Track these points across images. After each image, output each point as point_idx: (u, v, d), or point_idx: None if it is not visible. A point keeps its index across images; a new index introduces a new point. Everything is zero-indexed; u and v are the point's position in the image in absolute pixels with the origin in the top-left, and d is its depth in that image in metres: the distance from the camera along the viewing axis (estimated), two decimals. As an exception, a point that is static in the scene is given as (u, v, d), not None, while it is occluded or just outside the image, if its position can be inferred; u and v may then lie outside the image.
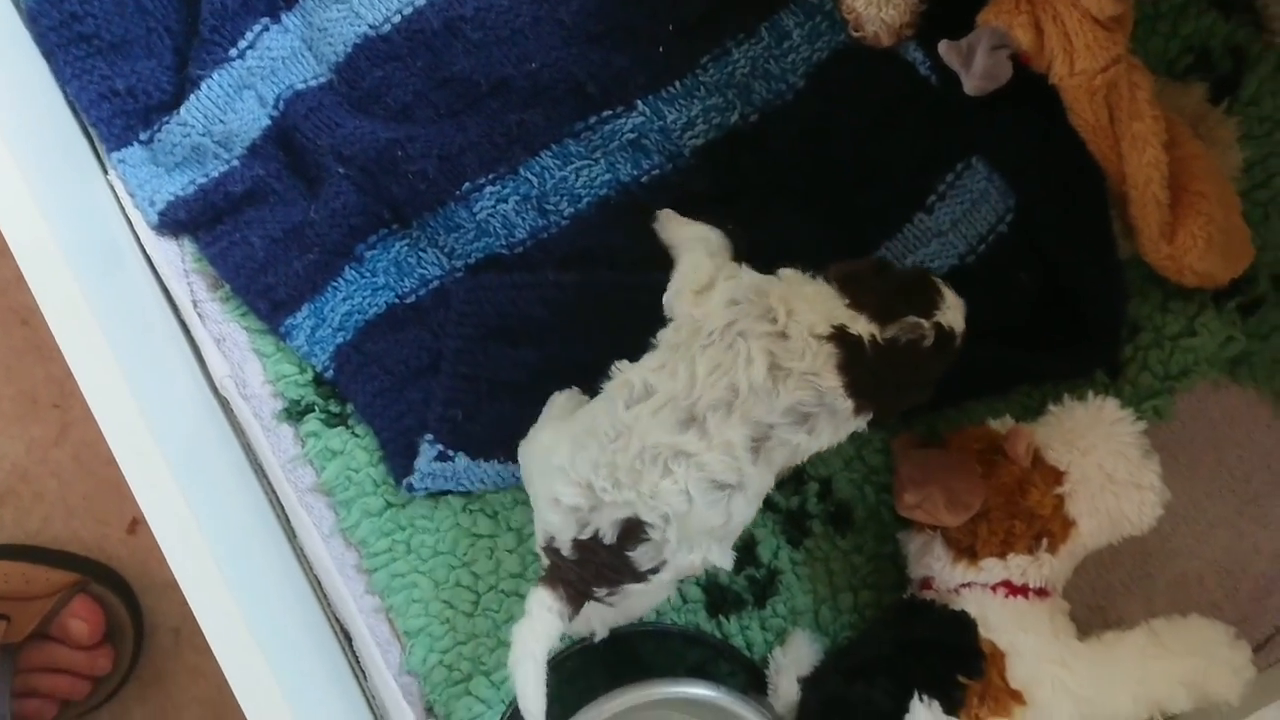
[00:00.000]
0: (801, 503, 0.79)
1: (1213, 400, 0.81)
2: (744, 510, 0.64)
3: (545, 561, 0.65)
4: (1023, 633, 0.68)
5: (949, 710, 0.66)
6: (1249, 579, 0.82)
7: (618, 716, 0.73)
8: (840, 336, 0.62)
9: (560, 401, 0.71)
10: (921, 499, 0.68)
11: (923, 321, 0.64)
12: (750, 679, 0.76)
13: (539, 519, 0.65)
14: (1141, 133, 0.72)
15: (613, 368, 0.65)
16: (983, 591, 0.69)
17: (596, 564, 0.63)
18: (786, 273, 0.65)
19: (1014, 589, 0.69)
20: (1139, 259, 0.78)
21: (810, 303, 0.63)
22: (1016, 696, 0.67)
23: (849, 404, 0.62)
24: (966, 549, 0.70)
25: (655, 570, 0.63)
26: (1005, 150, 0.77)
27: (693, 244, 0.69)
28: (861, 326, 0.62)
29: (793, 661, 0.73)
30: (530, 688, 0.62)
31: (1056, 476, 0.69)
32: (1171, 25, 0.79)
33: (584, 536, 0.63)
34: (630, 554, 0.62)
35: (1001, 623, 0.68)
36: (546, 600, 0.64)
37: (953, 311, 0.65)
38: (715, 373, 0.62)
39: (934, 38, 0.74)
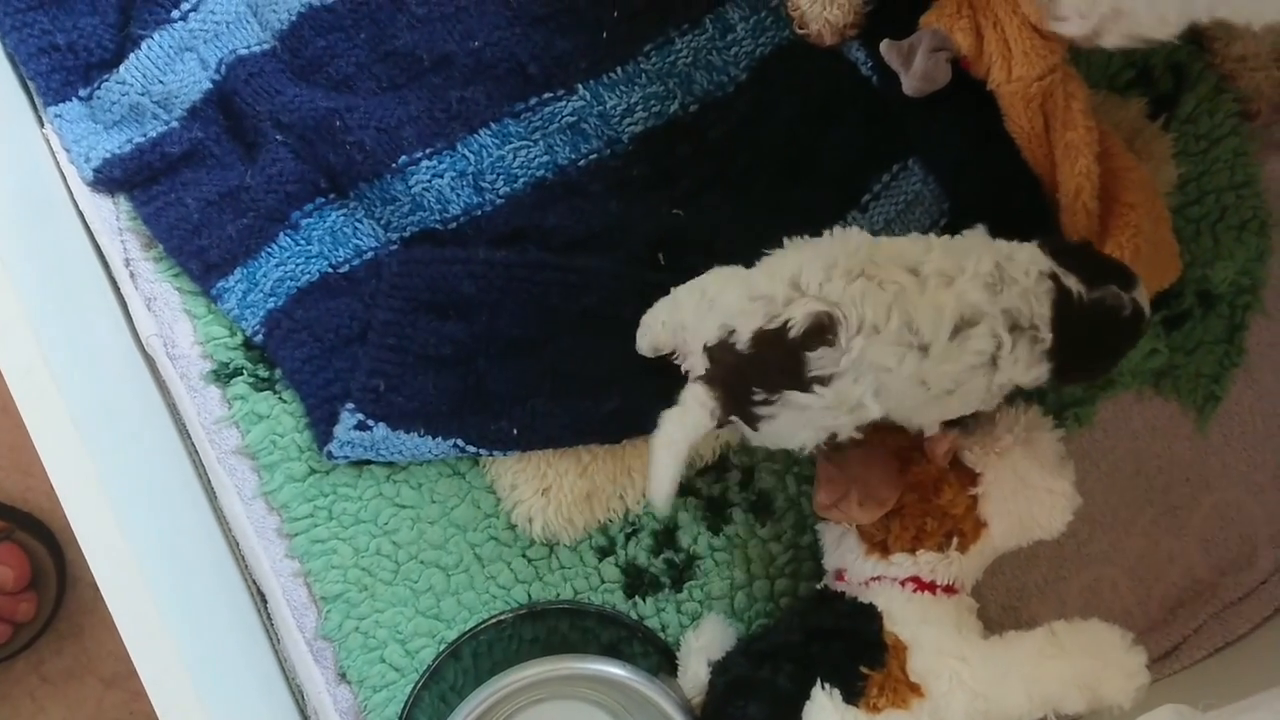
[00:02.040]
0: (723, 490, 0.80)
1: (1135, 411, 0.82)
2: (911, 371, 0.63)
3: (705, 362, 0.65)
4: (925, 625, 0.69)
5: (849, 698, 0.67)
6: (1161, 587, 0.83)
7: (527, 689, 0.74)
8: (1057, 279, 0.64)
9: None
10: (836, 498, 0.70)
11: (1123, 294, 0.66)
12: (663, 661, 0.78)
13: (713, 315, 0.65)
14: (1074, 142, 0.73)
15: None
16: (891, 585, 0.71)
17: (768, 361, 0.63)
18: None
19: (922, 584, 0.71)
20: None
21: (1030, 252, 0.66)
22: (915, 689, 0.68)
23: (1049, 338, 0.64)
24: (879, 543, 0.71)
25: (822, 381, 0.62)
26: (941, 153, 0.78)
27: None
28: (1073, 283, 0.65)
29: (704, 645, 0.75)
30: (663, 472, 0.65)
31: (971, 478, 0.70)
32: (1115, 40, 0.80)
33: (769, 327, 0.63)
34: (809, 353, 0.62)
35: (906, 616, 0.69)
36: (702, 396, 0.64)
37: (1145, 299, 0.67)
38: (947, 251, 0.64)
39: (877, 38, 0.75)
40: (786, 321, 0.62)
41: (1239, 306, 0.82)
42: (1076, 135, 0.73)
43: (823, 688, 0.67)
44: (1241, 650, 0.82)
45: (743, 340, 0.63)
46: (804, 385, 0.62)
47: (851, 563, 0.72)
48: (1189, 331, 0.82)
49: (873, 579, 0.71)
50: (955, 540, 0.70)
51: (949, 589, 0.71)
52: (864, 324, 0.62)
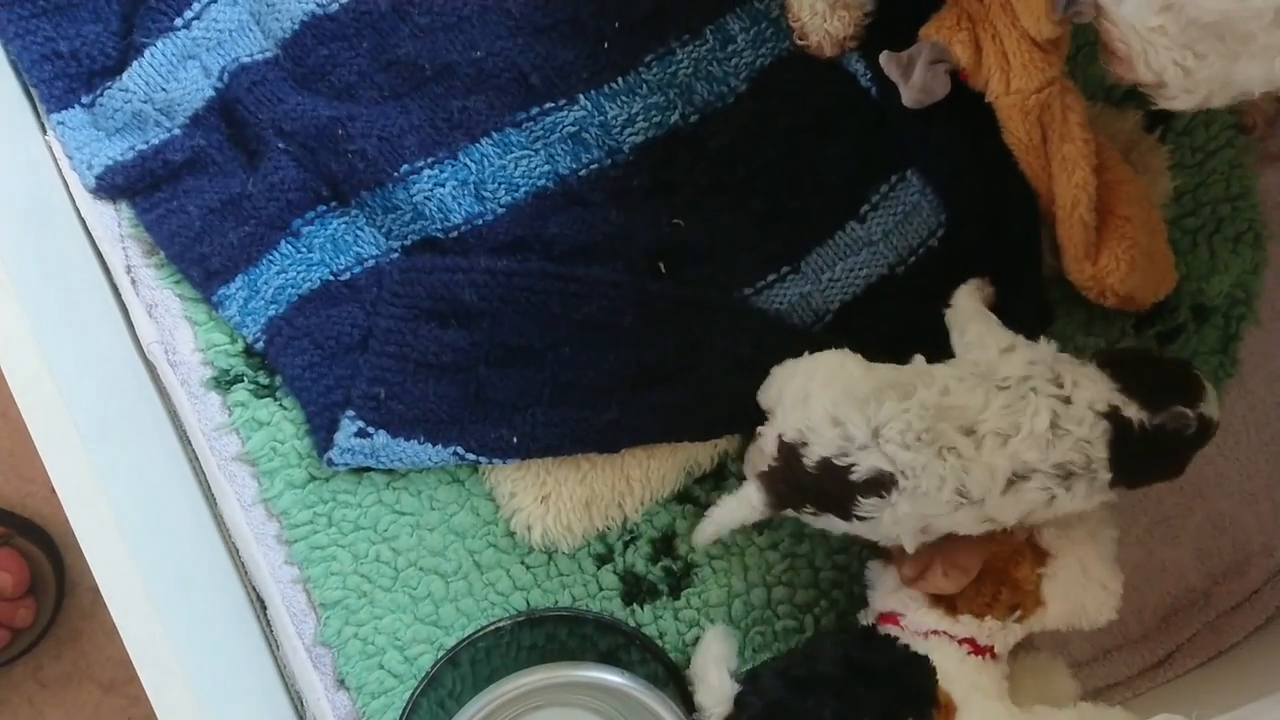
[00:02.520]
0: (722, 497, 0.80)
1: (1130, 421, 0.83)
2: (963, 518, 0.67)
3: (769, 456, 0.71)
4: (976, 690, 0.70)
5: None
6: (1155, 596, 0.84)
7: (525, 696, 0.74)
8: (1115, 416, 0.66)
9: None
10: (921, 570, 0.71)
11: (1188, 411, 0.67)
12: (661, 668, 0.78)
13: (796, 418, 0.70)
14: (1072, 155, 0.74)
15: (915, 358, 0.72)
16: (949, 642, 0.71)
17: (825, 487, 0.68)
18: (1064, 355, 0.71)
19: (977, 648, 0.71)
20: (1065, 278, 0.80)
21: (1093, 381, 0.68)
22: None
23: (1108, 477, 0.67)
24: (945, 600, 0.71)
25: (863, 519, 0.68)
26: (939, 165, 0.79)
27: (985, 314, 0.74)
28: (1133, 412, 0.66)
29: (719, 654, 0.74)
30: (708, 535, 0.76)
31: (1042, 557, 0.72)
32: (1111, 53, 0.81)
33: (837, 462, 0.67)
34: (861, 498, 0.67)
35: (960, 676, 0.70)
36: (755, 497, 0.71)
37: (1213, 404, 0.69)
38: (1005, 410, 0.66)
39: (877, 50, 0.76)
40: (853, 465, 0.67)
41: (1233, 318, 0.83)
42: (1074, 148, 0.74)
43: None
44: (1234, 659, 0.83)
45: (811, 459, 0.68)
46: (846, 517, 0.68)
47: (911, 611, 0.72)
48: (1183, 344, 0.82)
49: (931, 632, 0.71)
50: (1018, 612, 0.71)
51: (994, 655, 0.72)
52: (917, 490, 0.66)
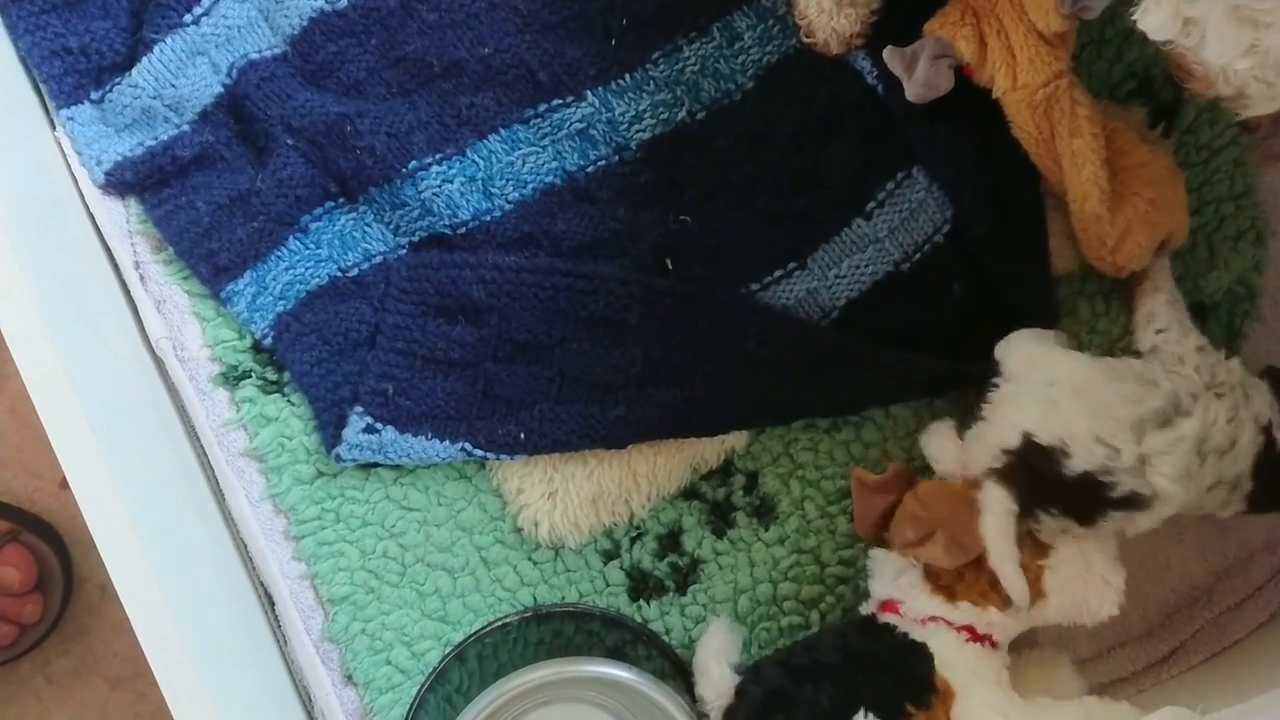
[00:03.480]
0: (728, 494, 0.80)
1: (1135, 417, 0.83)
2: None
3: (996, 449, 0.69)
4: (975, 677, 0.70)
5: None
6: (1160, 592, 0.84)
7: (532, 692, 0.74)
8: (1268, 431, 0.69)
9: None
10: (922, 536, 0.71)
11: None
12: (667, 664, 0.78)
13: (1052, 424, 0.68)
14: (1081, 150, 0.74)
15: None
16: (948, 629, 0.71)
17: (1077, 497, 0.68)
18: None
19: (976, 635, 0.71)
20: (1070, 276, 0.80)
21: (1261, 393, 0.70)
22: None
23: (1249, 486, 0.69)
24: (945, 586, 0.71)
25: (1097, 524, 0.68)
26: (945, 161, 0.79)
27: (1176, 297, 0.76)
28: None
29: (721, 648, 0.75)
30: (1012, 577, 0.69)
31: (1043, 549, 0.71)
32: (1116, 51, 0.81)
33: (1100, 478, 0.67)
34: (1112, 511, 0.67)
35: (959, 663, 0.70)
36: (1004, 498, 0.69)
37: None
38: (1229, 424, 0.68)
39: (883, 47, 0.76)
40: (1115, 484, 0.67)
41: (1236, 315, 0.83)
42: (1083, 142, 0.73)
43: (865, 716, 0.67)
44: (1238, 655, 0.83)
45: (1072, 470, 0.67)
46: (1087, 525, 0.69)
47: (911, 598, 0.72)
48: (1186, 340, 0.83)
49: (930, 618, 0.72)
50: None
51: (995, 644, 0.72)
52: (1164, 510, 0.68)
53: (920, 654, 0.70)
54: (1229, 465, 0.68)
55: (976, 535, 0.70)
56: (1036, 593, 0.71)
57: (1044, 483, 0.69)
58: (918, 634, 0.71)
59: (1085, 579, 0.71)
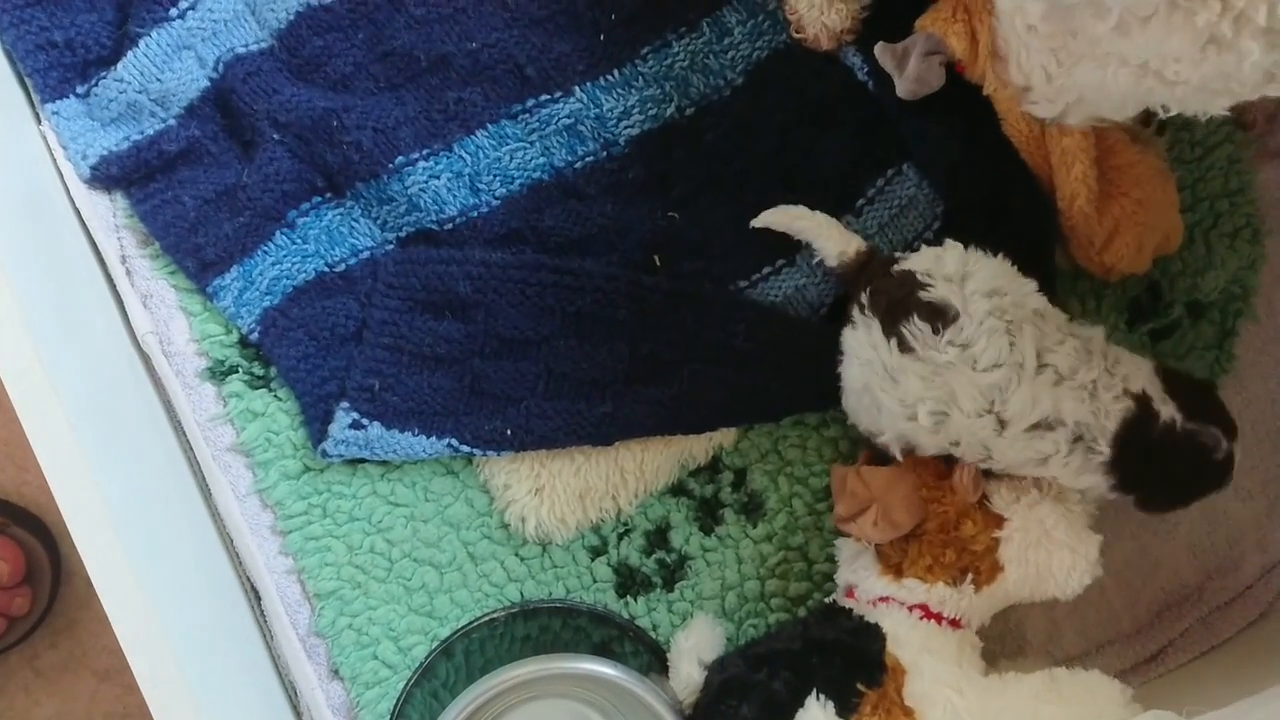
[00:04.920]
0: (716, 491, 0.80)
1: (1125, 417, 0.83)
2: (981, 433, 0.69)
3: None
4: (927, 654, 0.70)
5: (841, 712, 0.67)
6: (1149, 591, 0.84)
7: (518, 687, 0.74)
8: (1142, 401, 0.68)
9: None
10: (855, 512, 0.71)
11: (1222, 438, 0.68)
12: (654, 660, 0.78)
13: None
14: (1070, 148, 0.74)
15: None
16: (899, 609, 0.71)
17: (891, 293, 0.70)
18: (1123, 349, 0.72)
19: (930, 613, 0.71)
20: (1060, 275, 0.79)
21: (1138, 369, 0.70)
22: (908, 712, 0.68)
23: (1106, 453, 0.68)
24: (894, 565, 0.71)
25: (905, 349, 0.69)
26: (935, 157, 0.78)
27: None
28: (1169, 411, 0.68)
29: (694, 645, 0.75)
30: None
31: (999, 521, 0.71)
32: (1109, 47, 0.80)
33: (920, 276, 0.70)
34: (918, 317, 0.68)
35: (910, 641, 0.70)
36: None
37: (1236, 454, 0.70)
38: (1073, 354, 0.68)
39: (873, 43, 0.76)
40: (930, 286, 0.68)
41: (1230, 314, 0.83)
42: (1072, 141, 0.73)
43: (817, 698, 0.67)
44: (1227, 654, 0.83)
45: (900, 266, 0.71)
46: (892, 334, 0.69)
47: (863, 580, 0.73)
48: (1179, 340, 0.82)
49: (881, 599, 0.72)
50: (970, 577, 0.71)
51: (955, 622, 0.72)
52: (965, 353, 0.67)
53: (872, 635, 0.70)
54: (1068, 401, 0.67)
55: (909, 512, 0.70)
56: (992, 565, 0.71)
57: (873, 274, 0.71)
58: (871, 615, 0.71)
59: (1047, 548, 0.70)
